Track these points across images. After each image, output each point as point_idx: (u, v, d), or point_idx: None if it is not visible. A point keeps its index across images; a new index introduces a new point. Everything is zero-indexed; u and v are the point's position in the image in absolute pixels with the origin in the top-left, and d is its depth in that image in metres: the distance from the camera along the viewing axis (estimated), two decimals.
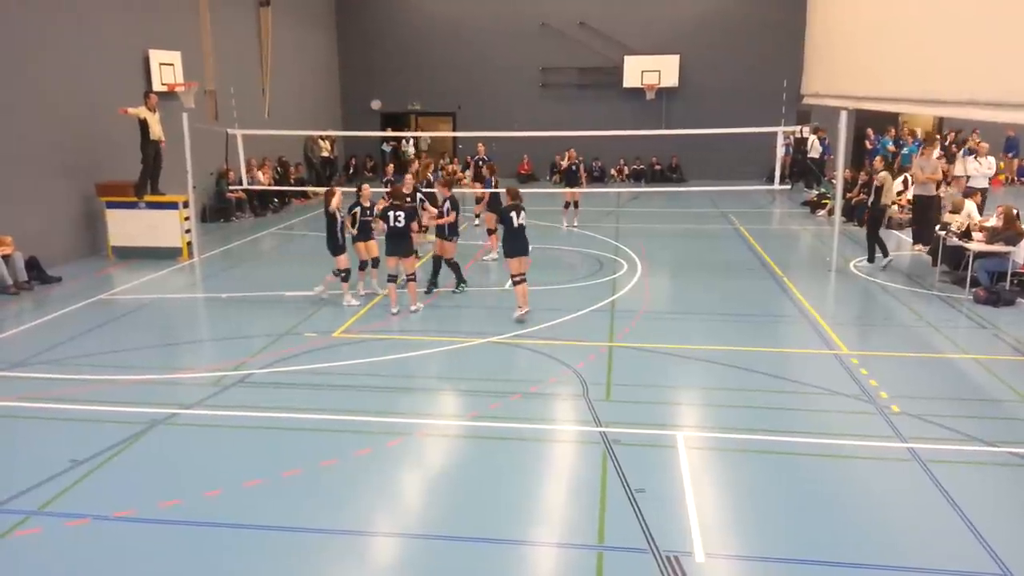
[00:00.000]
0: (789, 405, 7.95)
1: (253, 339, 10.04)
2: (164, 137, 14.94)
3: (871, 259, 14.02)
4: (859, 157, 21.69)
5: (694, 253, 15.82)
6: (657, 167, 27.29)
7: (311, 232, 18.61)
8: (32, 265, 13.12)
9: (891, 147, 20.89)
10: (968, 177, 15.96)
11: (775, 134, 15.48)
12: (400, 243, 10.91)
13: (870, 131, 22.31)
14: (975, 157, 16.54)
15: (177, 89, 17.55)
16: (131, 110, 14.51)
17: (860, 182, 17.77)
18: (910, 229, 15.87)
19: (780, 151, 15.62)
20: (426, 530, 5.71)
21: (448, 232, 12.09)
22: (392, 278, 11.12)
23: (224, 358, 9.39)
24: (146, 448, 7.00)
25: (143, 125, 14.60)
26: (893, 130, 22.54)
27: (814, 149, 23.33)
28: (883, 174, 14.15)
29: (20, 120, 13.53)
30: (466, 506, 6.02)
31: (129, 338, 10.28)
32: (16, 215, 13.27)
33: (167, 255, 14.80)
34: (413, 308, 11.07)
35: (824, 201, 19.89)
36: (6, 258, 12.61)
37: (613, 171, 27.30)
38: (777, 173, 15.42)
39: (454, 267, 12.32)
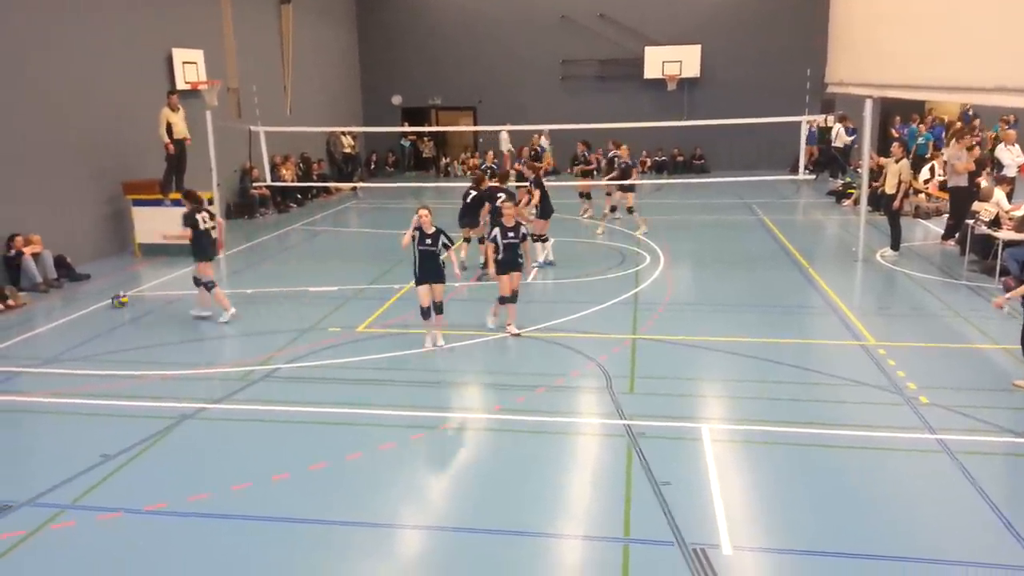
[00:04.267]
0: (815, 397, 7.88)
1: (278, 334, 10.13)
2: (189, 135, 15.10)
3: (895, 247, 13.86)
4: (885, 146, 21.38)
5: (718, 244, 15.71)
6: (680, 158, 27.10)
7: (333, 228, 18.75)
8: (61, 263, 13.34)
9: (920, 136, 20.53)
10: (1002, 166, 15.61)
11: (799, 123, 15.31)
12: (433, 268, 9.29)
13: (896, 119, 21.99)
14: (1004, 146, 16.21)
15: (200, 87, 17.71)
16: (160, 118, 14.65)
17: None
18: (945, 221, 15.42)
19: (804, 139, 15.39)
20: (451, 522, 5.74)
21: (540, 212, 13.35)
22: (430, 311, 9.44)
23: (251, 353, 9.48)
24: (175, 443, 7.09)
25: (167, 124, 14.75)
26: (918, 118, 22.20)
27: (839, 138, 23.04)
28: (890, 160, 13.88)
29: (48, 121, 13.73)
30: (491, 499, 6.04)
31: (157, 334, 10.41)
32: (45, 214, 13.48)
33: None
34: (440, 343, 9.51)
35: (849, 191, 19.65)
36: (35, 256, 12.82)
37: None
38: (802, 163, 15.27)
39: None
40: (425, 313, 9.33)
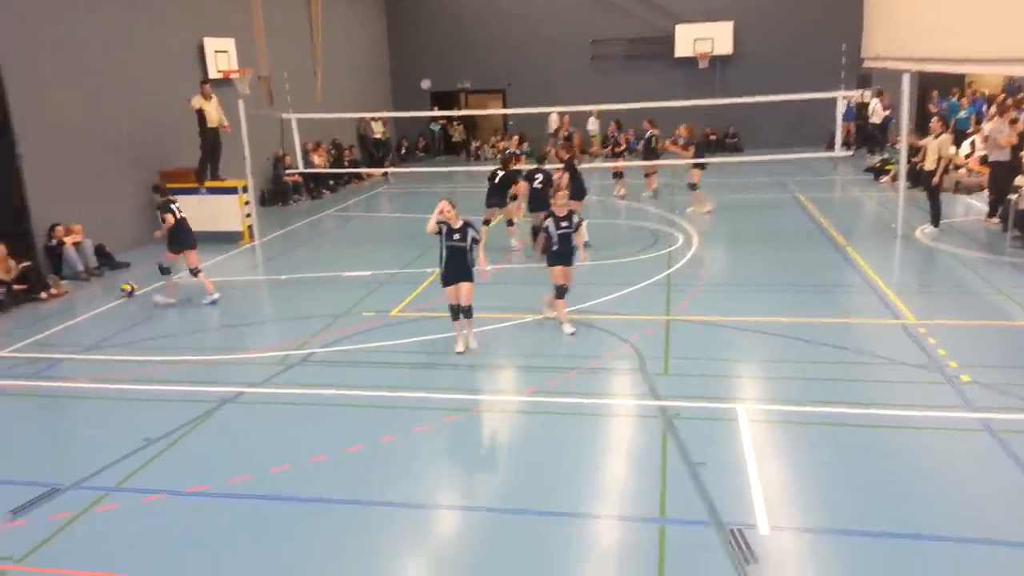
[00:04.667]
0: (853, 376, 7.77)
1: (314, 319, 10.24)
2: (227, 122, 15.24)
3: (935, 223, 13.57)
4: (923, 121, 20.89)
5: (752, 224, 15.52)
6: (712, 137, 26.75)
7: (365, 213, 18.86)
8: (101, 252, 13.62)
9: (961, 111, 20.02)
10: None
11: (835, 100, 15.01)
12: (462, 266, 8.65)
13: (934, 93, 21.46)
14: None
15: (232, 76, 17.86)
16: (192, 100, 14.84)
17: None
18: (986, 197, 15.05)
19: (840, 115, 15.08)
20: (486, 503, 5.78)
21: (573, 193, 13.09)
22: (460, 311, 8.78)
23: (287, 338, 9.60)
24: (215, 426, 7.22)
25: (200, 113, 14.93)
26: (958, 92, 21.64)
27: (876, 114, 22.56)
28: (929, 136, 13.59)
29: (85, 112, 13.96)
30: (525, 480, 6.06)
31: (196, 320, 10.59)
32: (85, 204, 13.75)
33: (229, 239, 15.16)
34: (472, 345, 8.89)
35: (887, 167, 19.26)
36: (76, 246, 13.11)
37: (667, 143, 26.85)
38: (838, 139, 14.97)
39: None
40: (454, 312, 8.70)
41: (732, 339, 9.01)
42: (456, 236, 8.45)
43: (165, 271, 11.26)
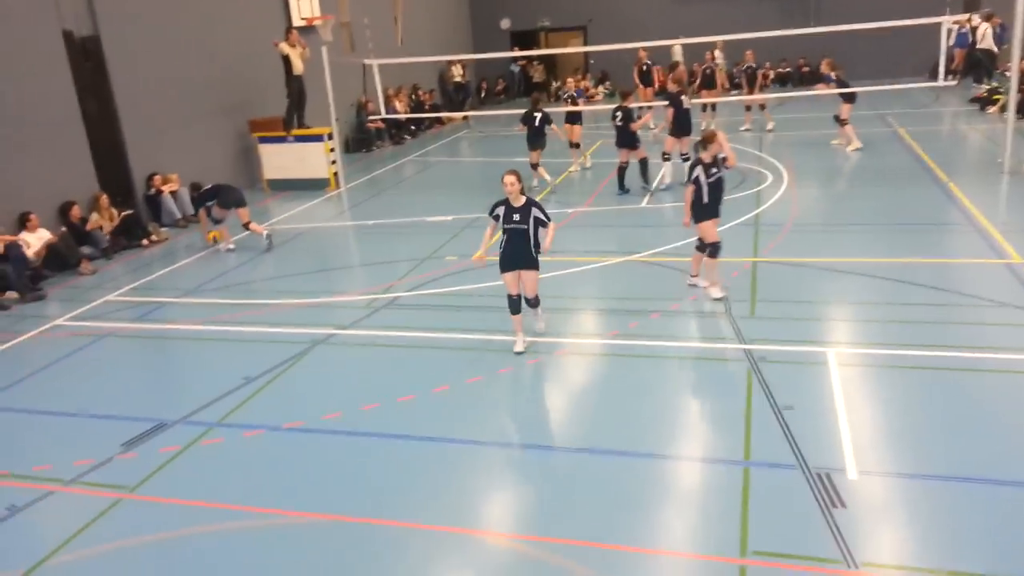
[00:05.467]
0: (953, 319, 7.44)
1: (399, 264, 10.44)
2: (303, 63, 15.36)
3: None
4: None
5: (847, 160, 14.85)
6: (805, 69, 25.52)
7: (446, 158, 18.94)
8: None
9: None
10: None
11: (939, 25, 14.05)
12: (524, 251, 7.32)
13: None
14: None
15: (315, 23, 18.03)
16: (280, 44, 15.06)
17: None
18: None
19: (944, 42, 14.12)
20: (569, 443, 5.85)
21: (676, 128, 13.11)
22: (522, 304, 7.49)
23: (373, 282, 9.84)
24: (309, 366, 7.52)
25: (286, 61, 15.16)
26: None
27: (985, 39, 21.00)
28: None
29: (177, 63, 14.38)
30: (608, 422, 6.10)
31: (288, 265, 10.96)
32: (181, 153, 14.28)
33: (316, 186, 15.53)
34: (541, 326, 7.81)
35: (996, 97, 18.00)
36: (174, 194, 13.68)
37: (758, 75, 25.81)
38: (942, 68, 14.06)
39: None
40: (514, 305, 7.32)
41: (823, 281, 8.73)
42: (516, 217, 7.14)
43: (218, 221, 11.92)
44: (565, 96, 16.02)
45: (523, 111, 14.14)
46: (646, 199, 12.94)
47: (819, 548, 4.45)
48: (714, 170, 8.17)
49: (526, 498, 5.29)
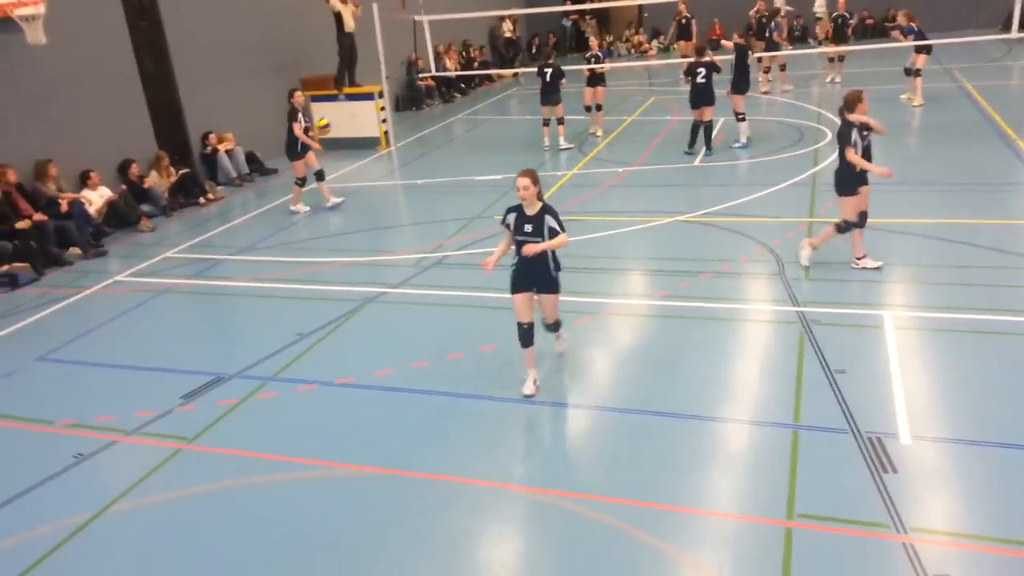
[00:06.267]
0: (1014, 282, 7.18)
1: (447, 223, 10.48)
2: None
3: None
4: None
5: (911, 118, 14.32)
6: (869, 21, 24.55)
7: (496, 116, 18.82)
8: (252, 159, 14.39)
9: None
10: None
11: None
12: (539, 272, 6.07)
13: None
14: None
15: None
16: (331, 1, 14.98)
17: None
18: None
19: None
20: (618, 404, 5.86)
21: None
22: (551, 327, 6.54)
23: (423, 241, 9.91)
24: (360, 323, 7.64)
25: (338, 18, 15.14)
26: None
27: None
28: None
29: (229, 22, 14.50)
30: (656, 383, 6.08)
31: (340, 224, 11.09)
32: (236, 113, 14.47)
33: (367, 144, 15.60)
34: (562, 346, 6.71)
35: None
36: (229, 153, 13.91)
37: (816, 29, 24.94)
38: (1015, 18, 13.37)
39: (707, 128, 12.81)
40: (524, 336, 6.06)
41: (882, 242, 8.48)
42: (528, 228, 5.85)
43: (300, 182, 11.73)
44: (589, 56, 14.60)
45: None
46: (698, 158, 12.69)
47: (867, 512, 4.40)
48: (866, 133, 7.52)
49: (575, 456, 5.34)
